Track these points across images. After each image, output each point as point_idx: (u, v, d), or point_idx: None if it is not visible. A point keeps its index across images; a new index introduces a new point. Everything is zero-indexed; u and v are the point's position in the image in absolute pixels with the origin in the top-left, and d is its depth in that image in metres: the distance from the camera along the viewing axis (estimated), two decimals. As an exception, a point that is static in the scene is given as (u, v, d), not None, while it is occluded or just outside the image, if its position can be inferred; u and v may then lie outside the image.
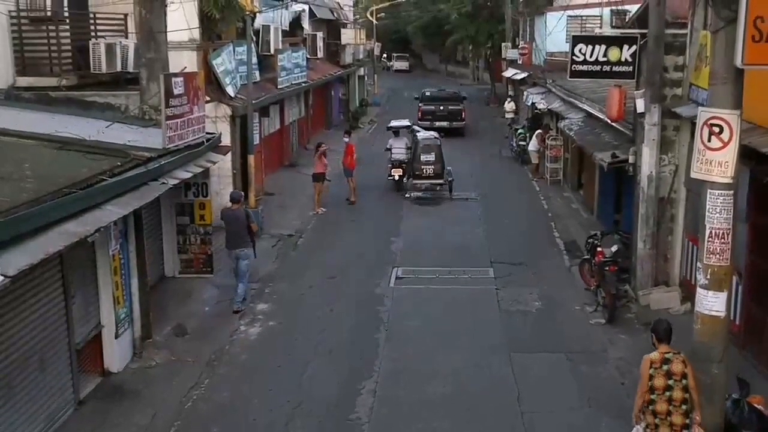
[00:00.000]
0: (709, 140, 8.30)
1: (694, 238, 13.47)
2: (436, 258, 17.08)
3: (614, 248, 14.30)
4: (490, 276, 15.93)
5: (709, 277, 8.63)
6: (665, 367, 8.10)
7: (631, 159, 14.18)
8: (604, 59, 13.82)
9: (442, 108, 35.34)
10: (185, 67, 13.84)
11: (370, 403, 10.55)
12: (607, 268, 13.43)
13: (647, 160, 13.65)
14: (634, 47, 13.59)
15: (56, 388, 9.71)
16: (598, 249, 14.23)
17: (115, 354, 11.16)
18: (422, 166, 22.90)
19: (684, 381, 8.05)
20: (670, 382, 8.06)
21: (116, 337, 11.09)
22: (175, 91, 12.35)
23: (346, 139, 23.23)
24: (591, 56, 13.84)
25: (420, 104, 36.23)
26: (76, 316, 10.23)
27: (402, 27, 75.45)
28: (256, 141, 21.84)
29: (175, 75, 12.66)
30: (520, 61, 38.07)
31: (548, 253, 17.52)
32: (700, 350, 8.82)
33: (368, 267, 16.43)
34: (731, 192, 8.35)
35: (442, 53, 73.85)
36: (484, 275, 15.99)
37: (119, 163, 10.47)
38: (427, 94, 37.10)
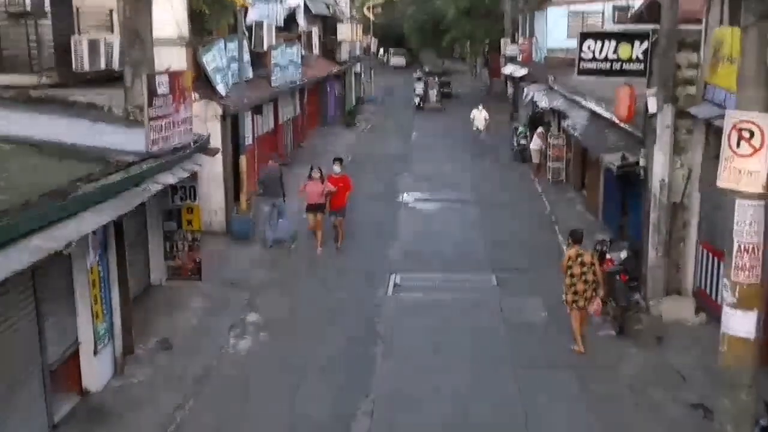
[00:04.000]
0: (738, 146, 7.60)
1: (708, 245, 12.80)
2: (434, 263, 16.40)
3: (623, 255, 13.62)
4: (491, 283, 15.23)
5: (737, 295, 7.92)
6: (579, 260, 11.87)
7: (641, 162, 13.48)
8: (614, 56, 13.09)
9: (436, 79, 49.26)
10: (170, 66, 13.09)
11: (367, 426, 9.84)
12: (617, 277, 12.74)
13: (659, 163, 12.96)
14: (645, 44, 12.86)
15: (27, 412, 8.99)
16: (607, 256, 13.55)
17: (94, 372, 10.43)
18: (430, 98, 45.32)
19: (593, 267, 11.85)
20: (584, 269, 11.82)
21: (95, 353, 10.36)
22: (160, 91, 11.58)
23: (337, 169, 17.56)
24: (600, 53, 13.11)
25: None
26: (50, 333, 9.49)
27: (399, 23, 74.63)
28: (249, 141, 21.14)
29: (160, 74, 11.90)
30: (519, 58, 37.32)
31: (552, 259, 16.71)
32: (727, 375, 8.12)
33: (366, 271, 15.73)
34: (762, 203, 7.65)
35: (440, 50, 73.01)
36: (485, 282, 15.30)
37: (98, 169, 9.72)
38: (426, 70, 54.92)
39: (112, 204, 9.42)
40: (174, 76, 12.24)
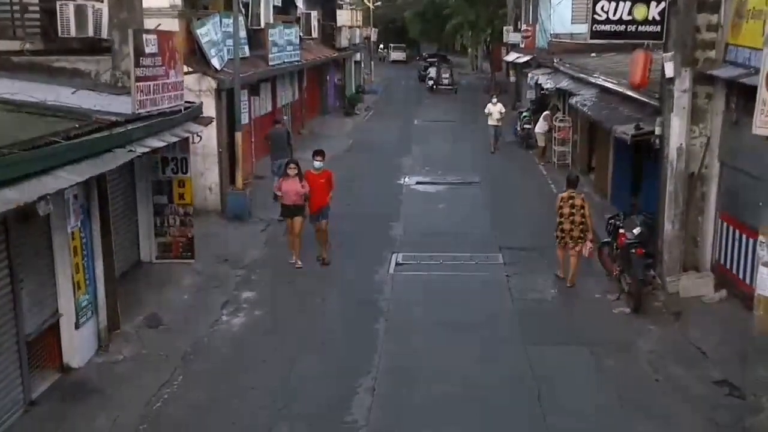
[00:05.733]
0: (777, 88, 6.90)
1: (728, 217, 12.12)
2: (439, 244, 15.65)
3: (637, 230, 12.90)
4: (499, 262, 14.52)
5: (775, 253, 7.22)
6: (570, 201, 12.87)
7: (657, 131, 12.75)
8: (629, 18, 12.35)
9: (436, 63, 55.69)
10: (159, 24, 12.40)
11: (368, 403, 9.13)
12: (633, 251, 12.04)
13: (676, 131, 12.24)
14: (662, 4, 12.14)
15: (1, 386, 8.29)
16: (621, 231, 12.85)
17: (76, 347, 9.72)
18: (442, 80, 49.17)
19: (582, 210, 12.79)
20: (573, 210, 12.81)
21: (77, 327, 9.65)
22: (147, 50, 10.91)
23: (318, 164, 14.34)
24: (614, 15, 12.38)
25: (422, 62, 62.67)
26: (27, 303, 8.82)
27: (399, 15, 74.05)
28: (245, 121, 20.46)
29: (148, 32, 11.22)
30: (522, 45, 36.61)
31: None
32: (763, 341, 7.43)
33: (367, 250, 15.03)
34: (803, 150, 6.97)
35: (440, 42, 72.47)
36: (492, 261, 14.58)
37: (77, 126, 9.02)
38: (425, 55, 67.74)
39: (92, 162, 8.73)
40: (163, 36, 11.60)
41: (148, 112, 10.84)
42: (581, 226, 12.76)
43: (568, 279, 13.00)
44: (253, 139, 22.30)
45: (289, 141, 19.11)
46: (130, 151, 9.65)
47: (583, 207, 12.80)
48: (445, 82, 48.84)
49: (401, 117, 36.80)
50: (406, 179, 22.23)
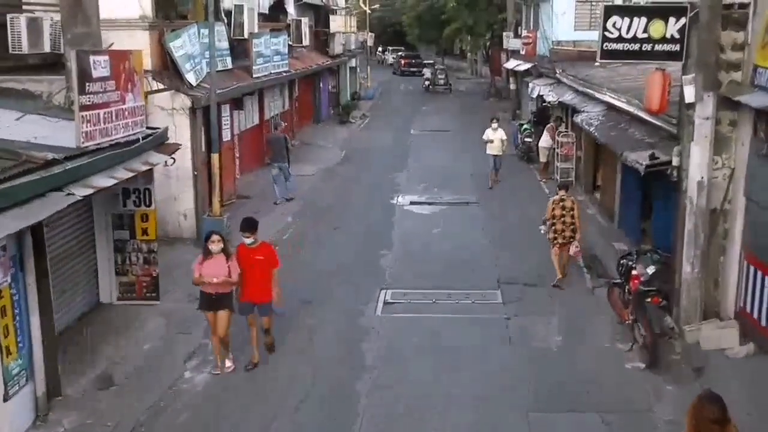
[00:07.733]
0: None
1: (755, 259, 10.76)
2: (433, 277, 14.33)
3: (650, 270, 11.54)
4: (497, 301, 13.19)
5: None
6: (561, 204, 13.62)
7: (675, 161, 11.42)
8: (644, 36, 10.96)
9: (412, 62, 68.38)
10: (112, 44, 11.07)
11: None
12: (648, 300, 10.69)
13: (697, 162, 10.90)
14: (683, 20, 10.77)
15: None
16: (633, 272, 11.49)
17: (6, 422, 8.37)
18: (438, 80, 51.95)
19: (572, 212, 13.57)
20: (564, 212, 13.57)
21: (5, 399, 8.30)
22: (96, 74, 9.55)
23: (249, 241, 10.31)
24: (628, 32, 10.97)
25: (401, 60, 70.89)
26: (-60, 377, 7.49)
27: (397, 19, 72.96)
28: (228, 137, 19.19)
29: (96, 53, 9.86)
30: (522, 52, 35.26)
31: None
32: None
33: (352, 285, 13.68)
34: None
35: (439, 46, 71.22)
36: (490, 299, 13.26)
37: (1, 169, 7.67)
38: (402, 55, 73.74)
39: (17, 213, 7.40)
40: (117, 56, 10.22)
41: (97, 144, 9.48)
42: (572, 227, 13.58)
43: (560, 272, 13.75)
44: (237, 155, 21.03)
45: (287, 146, 19.93)
46: (69, 194, 8.32)
47: (573, 209, 13.63)
48: (441, 82, 52.12)
49: (398, 125, 35.51)
50: (400, 198, 20.92)
